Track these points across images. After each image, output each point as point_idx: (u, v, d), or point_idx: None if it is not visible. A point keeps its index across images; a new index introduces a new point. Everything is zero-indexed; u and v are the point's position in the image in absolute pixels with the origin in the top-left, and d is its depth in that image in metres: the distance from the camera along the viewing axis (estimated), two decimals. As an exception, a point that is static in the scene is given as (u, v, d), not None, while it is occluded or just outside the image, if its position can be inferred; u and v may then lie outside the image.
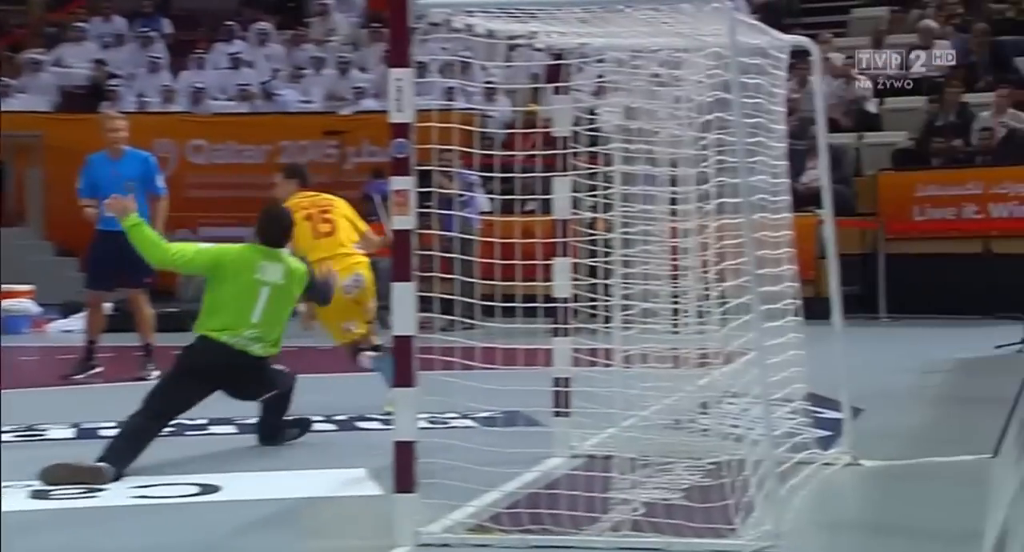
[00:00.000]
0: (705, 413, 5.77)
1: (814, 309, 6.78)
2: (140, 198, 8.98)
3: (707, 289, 5.18)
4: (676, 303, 5.47)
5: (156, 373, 8.98)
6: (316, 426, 6.67)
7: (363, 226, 8.05)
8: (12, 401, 7.58)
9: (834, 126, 14.97)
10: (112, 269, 8.88)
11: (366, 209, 15.30)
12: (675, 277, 5.55)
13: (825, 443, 6.13)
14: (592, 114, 5.88)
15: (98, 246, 9.00)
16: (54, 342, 11.75)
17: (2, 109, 15.88)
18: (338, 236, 7.85)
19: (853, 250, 13.45)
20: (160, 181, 9.06)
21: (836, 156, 13.45)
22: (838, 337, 6.03)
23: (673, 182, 5.53)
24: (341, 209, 8.05)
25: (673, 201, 5.53)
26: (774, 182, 5.99)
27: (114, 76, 17.89)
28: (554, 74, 5.71)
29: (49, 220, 16.09)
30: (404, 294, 4.41)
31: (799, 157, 14.21)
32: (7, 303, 12.45)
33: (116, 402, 8.11)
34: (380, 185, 14.76)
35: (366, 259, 7.84)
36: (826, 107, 7.02)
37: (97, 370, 9.23)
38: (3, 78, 17.46)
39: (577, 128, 5.65)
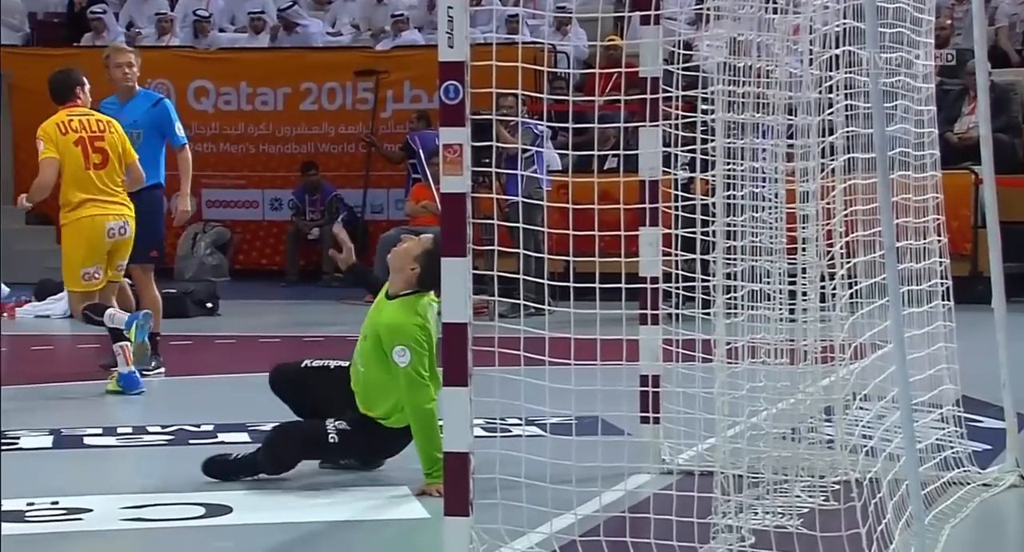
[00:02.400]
0: (829, 420, 5.81)
1: (970, 291, 6.78)
2: (153, 150, 9.16)
3: (832, 266, 5.22)
4: (793, 284, 5.52)
5: (160, 370, 9.19)
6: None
7: (133, 156, 8.74)
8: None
9: (1000, 59, 14.79)
10: None
11: (408, 167, 15.51)
12: (792, 251, 5.59)
13: (984, 459, 6.14)
14: (689, 49, 5.92)
15: None
16: (25, 330, 12.04)
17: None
18: (110, 171, 8.62)
19: (1022, 217, 13.32)
20: (179, 128, 9.23)
21: (1001, 98, 13.29)
22: (1000, 326, 6.03)
23: (790, 133, 5.56)
24: (116, 136, 8.72)
25: (790, 157, 5.56)
26: (919, 132, 6.00)
27: (98, 1, 18.18)
28: (642, -1, 5.76)
29: (19, 179, 16.40)
30: (456, 272, 4.51)
31: (952, 100, 14.13)
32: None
33: (101, 405, 8.36)
34: (426, 138, 14.90)
35: (131, 207, 8.58)
36: (990, 35, 6.99)
37: (160, 369, 9.25)
38: (-39, 6, 17.80)
39: (670, 66, 5.70)
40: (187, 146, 9.25)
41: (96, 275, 8.54)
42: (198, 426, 7.33)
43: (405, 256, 5.98)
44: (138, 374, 8.53)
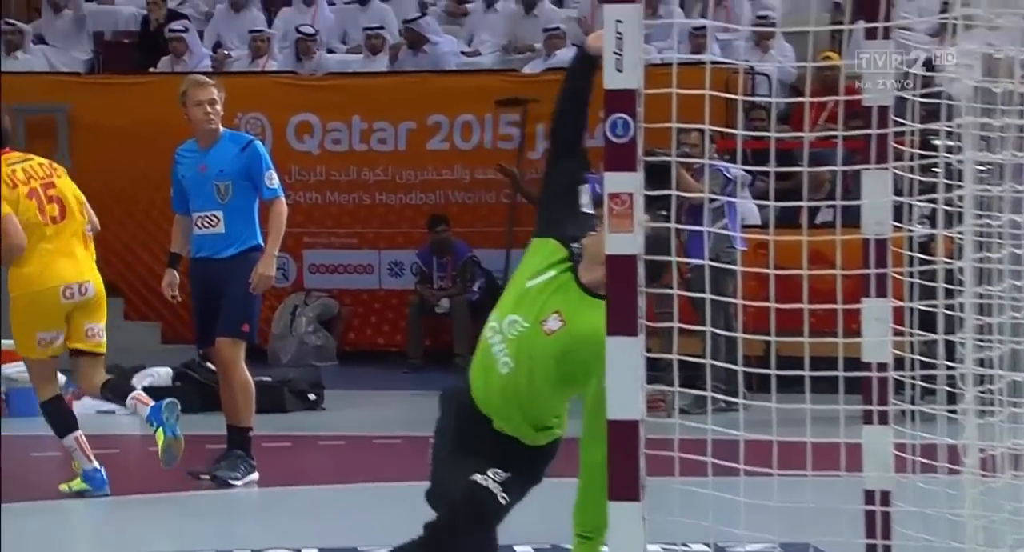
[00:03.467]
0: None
1: None
2: (245, 205, 9.37)
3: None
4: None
5: (253, 477, 9.29)
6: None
7: (84, 207, 9.27)
8: (18, 523, 7.94)
9: None
10: (211, 314, 9.34)
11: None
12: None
13: None
14: (929, 68, 5.87)
15: (196, 283, 9.45)
16: (84, 430, 12.22)
17: (8, 70, 16.68)
18: (71, 221, 9.19)
19: None
20: (271, 177, 9.44)
21: None
22: None
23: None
24: (66, 182, 9.31)
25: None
26: None
27: (178, 16, 18.64)
28: (868, 3, 5.72)
29: (80, 239, 16.86)
30: (625, 355, 4.50)
31: None
32: (9, 370, 12.88)
33: (177, 523, 8.46)
34: (587, 184, 14.92)
35: (93, 267, 9.11)
36: None
37: (252, 476, 9.44)
38: (11, 21, 18.36)
39: (904, 92, 5.65)
40: (281, 199, 9.43)
41: (55, 341, 9.06)
42: (298, 550, 7.39)
43: None
44: (103, 472, 8.94)
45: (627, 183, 4.51)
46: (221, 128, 9.49)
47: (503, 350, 5.82)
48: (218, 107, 9.38)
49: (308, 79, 17.51)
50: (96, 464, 8.98)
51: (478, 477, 5.76)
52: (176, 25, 18.05)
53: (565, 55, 17.06)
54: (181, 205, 9.52)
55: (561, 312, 5.76)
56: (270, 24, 18.60)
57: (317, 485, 9.58)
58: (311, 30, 18.04)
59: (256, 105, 16.40)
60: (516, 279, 5.94)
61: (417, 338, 16.23)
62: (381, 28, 17.90)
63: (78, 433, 9.04)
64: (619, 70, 4.45)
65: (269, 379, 12.72)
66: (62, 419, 9.10)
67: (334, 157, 16.96)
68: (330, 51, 18.44)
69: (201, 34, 18.53)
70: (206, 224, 9.33)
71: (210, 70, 16.95)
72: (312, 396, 13.19)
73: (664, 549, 6.45)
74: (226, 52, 18.30)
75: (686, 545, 6.49)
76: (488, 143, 16.68)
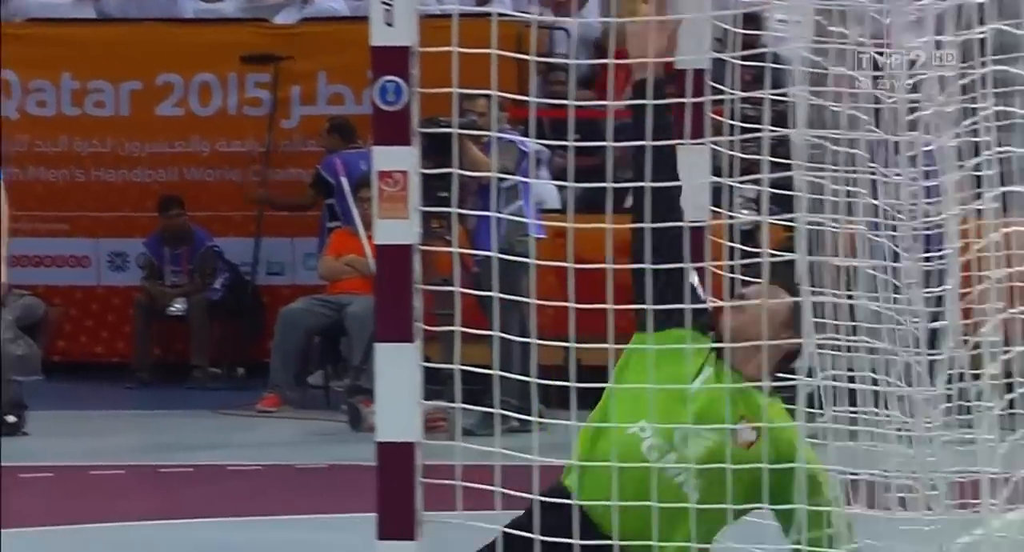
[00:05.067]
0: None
1: None
2: None
3: (977, 358, 5.24)
4: (913, 385, 5.55)
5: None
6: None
7: None
8: None
9: None
10: None
11: (325, 208, 15.50)
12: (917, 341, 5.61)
13: None
14: (753, 26, 5.99)
15: None
16: None
17: None
18: None
19: None
20: None
21: None
22: None
23: (913, 159, 5.60)
24: None
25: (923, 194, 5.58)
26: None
27: None
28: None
29: None
30: (399, 364, 4.55)
31: None
32: None
33: None
34: (351, 161, 14.90)
35: None
36: None
37: None
38: None
39: (724, 54, 5.77)
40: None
41: None
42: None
43: (772, 321, 5.61)
44: None
45: (400, 159, 4.55)
46: None
47: (683, 471, 5.62)
48: None
49: (2, 26, 17.24)
50: None
51: None
52: None
53: (324, 3, 17.04)
54: None
55: (747, 418, 5.67)
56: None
57: (18, 528, 9.48)
58: (10, -33, 17.79)
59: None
60: (653, 379, 5.65)
61: (144, 347, 16.11)
62: (100, -34, 17.69)
63: None
64: (389, 24, 4.48)
65: (-43, 397, 12.56)
66: None
67: (38, 123, 16.75)
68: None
69: None
70: None
71: None
72: (11, 418, 13.05)
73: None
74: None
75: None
76: (232, 108, 16.61)
